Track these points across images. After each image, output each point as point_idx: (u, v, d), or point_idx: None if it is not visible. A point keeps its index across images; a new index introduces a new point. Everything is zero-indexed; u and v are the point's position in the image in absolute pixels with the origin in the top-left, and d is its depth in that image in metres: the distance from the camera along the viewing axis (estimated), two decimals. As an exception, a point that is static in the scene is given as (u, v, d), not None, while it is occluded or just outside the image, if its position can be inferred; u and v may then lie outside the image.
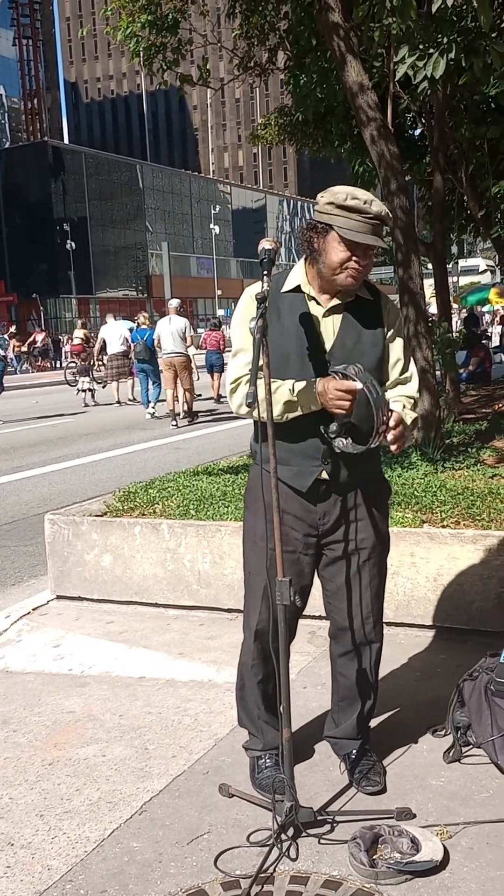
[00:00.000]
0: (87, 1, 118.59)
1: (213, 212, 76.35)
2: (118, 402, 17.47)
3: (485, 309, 29.94)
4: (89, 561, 4.78)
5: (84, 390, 18.38)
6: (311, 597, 2.81)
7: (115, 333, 16.83)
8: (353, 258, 2.47)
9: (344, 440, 2.51)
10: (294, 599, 2.43)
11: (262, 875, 2.30)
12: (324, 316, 2.59)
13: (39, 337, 35.38)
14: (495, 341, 26.89)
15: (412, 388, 2.71)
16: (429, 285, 11.38)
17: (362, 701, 2.81)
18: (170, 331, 13.44)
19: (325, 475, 2.60)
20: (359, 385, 2.40)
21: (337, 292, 2.58)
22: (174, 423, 13.67)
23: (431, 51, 4.98)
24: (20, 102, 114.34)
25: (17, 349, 30.87)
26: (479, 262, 43.31)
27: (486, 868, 2.31)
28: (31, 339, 34.28)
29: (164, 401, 15.49)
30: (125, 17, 8.23)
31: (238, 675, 2.87)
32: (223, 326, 19.19)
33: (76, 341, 19.57)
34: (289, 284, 2.60)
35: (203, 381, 16.92)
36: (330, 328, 2.59)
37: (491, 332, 27.99)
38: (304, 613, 2.82)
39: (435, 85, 5.49)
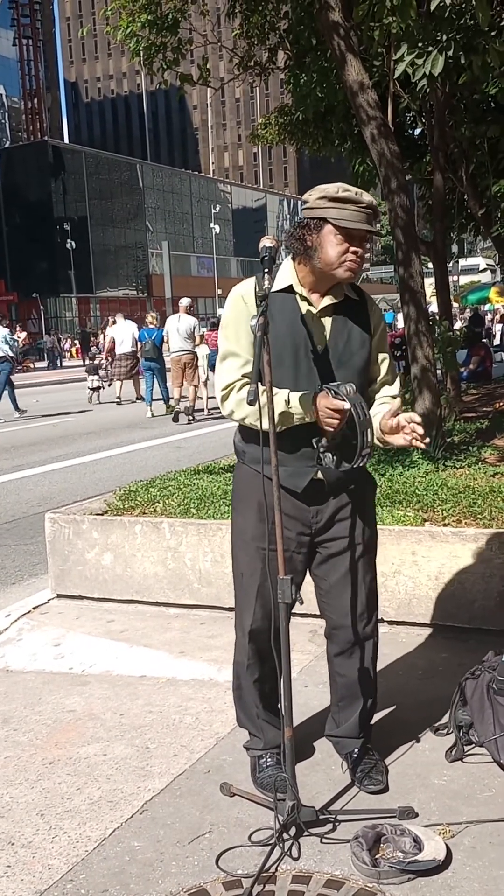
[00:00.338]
0: (87, 1, 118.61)
1: (213, 211, 76.31)
2: (118, 398, 17.59)
3: (485, 308, 29.95)
4: (90, 560, 4.77)
5: (94, 388, 18.68)
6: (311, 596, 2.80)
7: (125, 333, 17.01)
8: (351, 249, 2.49)
9: (330, 455, 2.53)
10: (297, 598, 2.43)
11: (264, 874, 2.29)
12: (316, 316, 2.59)
13: (21, 335, 35.58)
14: (497, 340, 26.91)
15: (396, 387, 2.78)
16: (429, 284, 11.39)
17: (362, 699, 2.80)
18: (178, 329, 13.65)
19: (319, 475, 2.61)
20: (347, 405, 2.41)
21: (326, 292, 2.59)
22: (189, 418, 13.93)
23: (430, 48, 4.97)
24: (20, 102, 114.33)
25: (25, 343, 30.81)
26: (480, 261, 43.31)
27: (488, 867, 2.31)
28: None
29: (160, 399, 15.56)
30: (125, 16, 8.23)
31: (234, 675, 2.87)
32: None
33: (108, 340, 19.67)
34: (279, 284, 2.58)
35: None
36: (322, 329, 2.60)
37: (495, 332, 28.00)
38: (305, 612, 2.83)
39: (434, 83, 5.49)
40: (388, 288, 64.26)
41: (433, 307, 11.25)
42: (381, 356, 2.72)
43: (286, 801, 2.43)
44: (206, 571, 4.45)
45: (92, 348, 30.57)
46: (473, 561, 3.92)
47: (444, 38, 4.97)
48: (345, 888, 2.25)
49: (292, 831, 2.44)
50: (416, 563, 4.04)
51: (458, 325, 21.75)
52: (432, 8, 4.90)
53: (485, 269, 41.03)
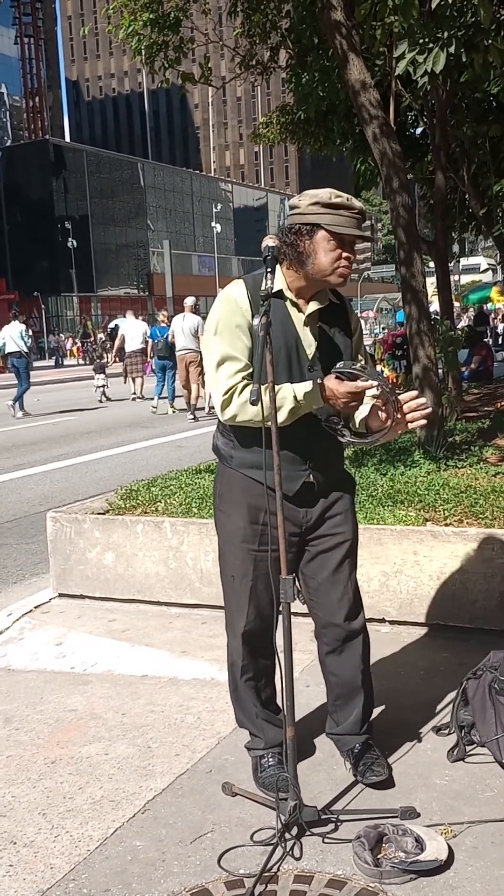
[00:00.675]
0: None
1: (214, 210, 76.27)
2: (134, 395, 17.88)
3: (488, 307, 29.96)
4: (91, 559, 4.77)
5: (100, 387, 18.85)
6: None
7: (135, 331, 17.12)
8: (344, 255, 2.53)
9: (349, 431, 2.59)
10: (298, 597, 2.44)
11: (266, 874, 2.29)
12: (305, 322, 2.63)
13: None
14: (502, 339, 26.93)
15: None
16: (430, 283, 11.39)
17: (359, 695, 2.81)
18: (183, 328, 13.88)
19: (311, 478, 2.66)
20: (371, 383, 2.46)
21: (312, 297, 2.63)
22: (191, 416, 14.11)
23: (431, 45, 4.97)
24: (22, 101, 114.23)
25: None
26: (481, 261, 43.33)
27: (490, 867, 2.31)
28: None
29: (165, 398, 15.65)
30: (127, 15, 8.22)
31: (230, 677, 2.87)
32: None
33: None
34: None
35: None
36: (311, 334, 2.63)
37: (501, 331, 28.00)
38: (307, 612, 2.83)
39: (435, 80, 5.48)
40: (389, 287, 64.27)
41: (434, 306, 11.25)
42: (361, 357, 2.79)
43: (288, 801, 2.43)
44: (208, 571, 4.45)
45: (103, 344, 30.62)
46: (475, 561, 3.92)
47: (446, 34, 4.96)
48: (347, 888, 2.25)
49: (294, 831, 2.44)
50: (418, 563, 4.04)
51: (462, 323, 21.81)
52: (433, 7, 4.89)
53: (486, 269, 41.04)
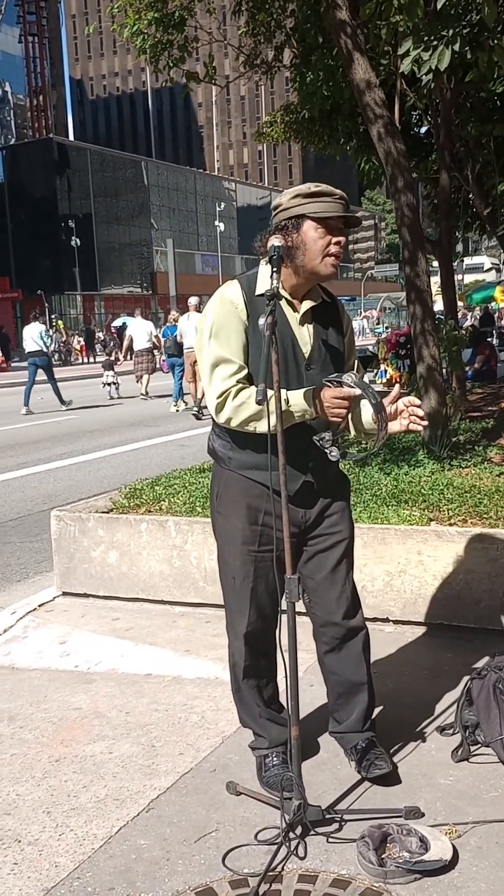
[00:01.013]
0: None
1: (217, 209, 76.19)
2: (144, 394, 18.00)
3: (492, 306, 29.93)
4: (95, 558, 4.78)
5: (109, 384, 19.01)
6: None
7: (142, 330, 17.28)
8: (333, 240, 2.53)
9: (336, 449, 2.57)
10: (301, 596, 2.44)
11: (271, 873, 2.29)
12: (299, 321, 2.63)
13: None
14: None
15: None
16: (434, 283, 11.39)
17: (360, 693, 2.82)
18: (188, 327, 14.14)
19: (310, 478, 2.67)
20: (357, 391, 2.46)
21: (305, 296, 2.64)
22: (195, 412, 14.29)
23: (436, 43, 4.96)
24: (26, 99, 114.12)
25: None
26: (484, 260, 43.29)
27: (495, 868, 2.31)
28: None
29: (188, 394, 15.75)
30: (131, 14, 8.23)
31: (232, 677, 2.88)
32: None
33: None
34: (262, 287, 2.57)
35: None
36: (306, 333, 2.64)
37: None
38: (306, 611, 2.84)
39: (440, 78, 5.47)
40: (393, 286, 64.20)
41: (438, 305, 11.24)
42: (352, 355, 2.81)
43: (292, 800, 2.43)
44: (212, 570, 4.45)
45: (109, 343, 30.76)
46: (479, 561, 3.92)
47: (451, 32, 4.95)
48: (351, 888, 2.25)
49: (298, 830, 2.44)
50: (422, 563, 4.04)
51: (467, 323, 21.78)
52: (438, 6, 4.88)
53: (490, 269, 41.02)
